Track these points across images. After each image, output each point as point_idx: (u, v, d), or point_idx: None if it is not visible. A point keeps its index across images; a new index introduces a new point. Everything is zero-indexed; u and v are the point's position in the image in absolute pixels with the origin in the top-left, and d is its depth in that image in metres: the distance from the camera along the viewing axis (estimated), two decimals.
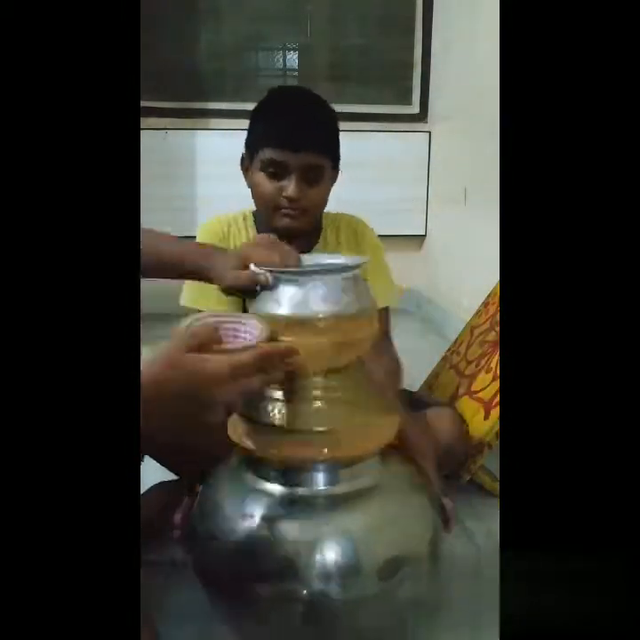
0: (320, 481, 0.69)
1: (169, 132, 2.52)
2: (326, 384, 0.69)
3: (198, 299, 1.08)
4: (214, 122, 2.55)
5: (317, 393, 0.69)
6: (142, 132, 2.20)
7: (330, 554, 0.65)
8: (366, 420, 0.70)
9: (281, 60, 2.74)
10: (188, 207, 2.50)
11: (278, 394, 0.69)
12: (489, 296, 1.61)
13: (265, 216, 1.06)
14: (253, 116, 1.06)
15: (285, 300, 0.67)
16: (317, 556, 0.65)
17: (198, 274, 0.80)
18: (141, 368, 0.53)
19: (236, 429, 0.71)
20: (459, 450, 1.10)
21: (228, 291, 0.76)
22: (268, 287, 0.69)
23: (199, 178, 2.53)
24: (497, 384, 1.28)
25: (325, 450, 0.67)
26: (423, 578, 0.72)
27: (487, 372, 1.34)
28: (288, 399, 0.68)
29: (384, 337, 1.13)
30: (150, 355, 0.57)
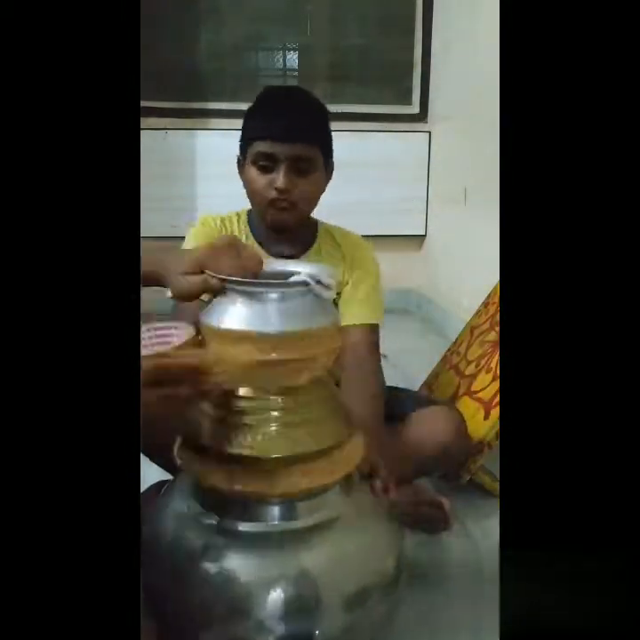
0: (276, 515, 0.63)
1: (169, 131, 2.52)
2: (283, 405, 0.63)
3: None
4: (214, 122, 2.54)
5: (275, 414, 0.63)
6: (142, 132, 2.21)
7: (286, 593, 0.59)
8: (327, 445, 0.64)
9: (281, 60, 2.73)
10: (187, 207, 2.50)
11: (232, 418, 0.63)
12: (489, 296, 1.61)
13: (257, 212, 1.07)
14: (246, 115, 1.07)
15: (235, 312, 0.62)
16: (273, 596, 0.59)
17: (153, 278, 0.72)
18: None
19: (183, 455, 0.66)
20: (458, 448, 1.09)
21: (178, 296, 0.69)
22: (220, 295, 0.64)
23: (199, 178, 2.53)
24: (497, 384, 1.28)
25: (278, 486, 0.61)
26: (391, 600, 0.67)
27: (487, 372, 1.34)
28: (239, 423, 0.62)
29: (367, 354, 1.06)
30: None
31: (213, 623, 0.60)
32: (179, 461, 0.66)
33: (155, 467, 0.99)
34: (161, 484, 1.06)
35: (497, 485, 1.23)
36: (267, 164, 1.01)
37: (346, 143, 2.63)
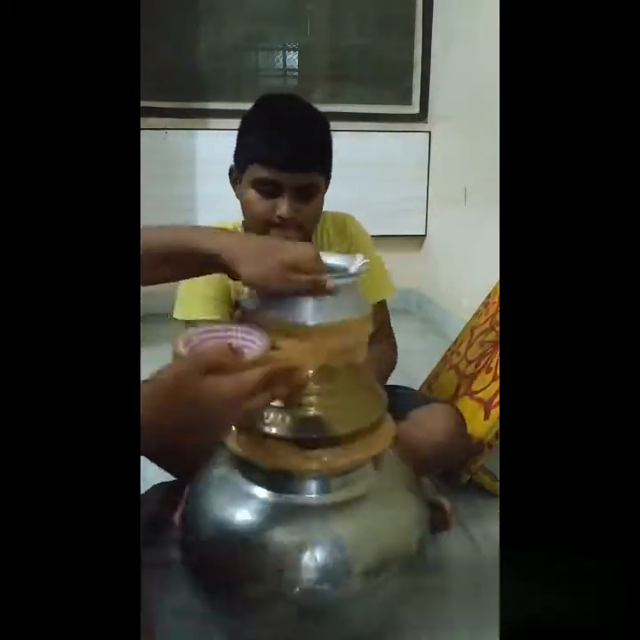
0: (311, 489, 0.69)
1: (169, 131, 2.52)
2: (320, 390, 0.68)
3: (192, 311, 1.06)
4: (214, 122, 2.54)
5: (312, 399, 0.68)
6: (142, 132, 2.21)
7: (318, 559, 0.65)
8: (362, 426, 0.69)
9: (281, 60, 2.73)
10: (187, 207, 2.50)
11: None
12: (489, 296, 1.61)
13: (257, 231, 1.02)
14: (242, 127, 1.02)
15: (279, 307, 0.65)
16: (305, 561, 0.65)
17: (217, 263, 0.67)
18: (148, 382, 0.53)
19: (235, 440, 0.70)
20: (457, 447, 1.09)
21: (260, 290, 0.67)
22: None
23: (199, 178, 2.53)
24: (497, 384, 1.28)
25: (319, 462, 0.66)
26: (410, 573, 0.72)
27: (487, 372, 1.34)
28: (282, 406, 0.67)
29: (381, 327, 1.10)
30: (156, 371, 0.56)
31: (253, 580, 0.66)
32: (228, 442, 0.70)
33: (155, 467, 0.99)
34: (161, 484, 1.06)
35: (497, 485, 1.23)
36: (268, 189, 0.97)
37: (346, 143, 2.63)
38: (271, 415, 0.67)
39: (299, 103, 1.04)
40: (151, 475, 1.02)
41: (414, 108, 2.74)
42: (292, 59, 2.73)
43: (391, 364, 1.22)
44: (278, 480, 0.68)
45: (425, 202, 2.77)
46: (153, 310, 1.66)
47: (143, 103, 2.16)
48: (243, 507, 0.69)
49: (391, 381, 1.22)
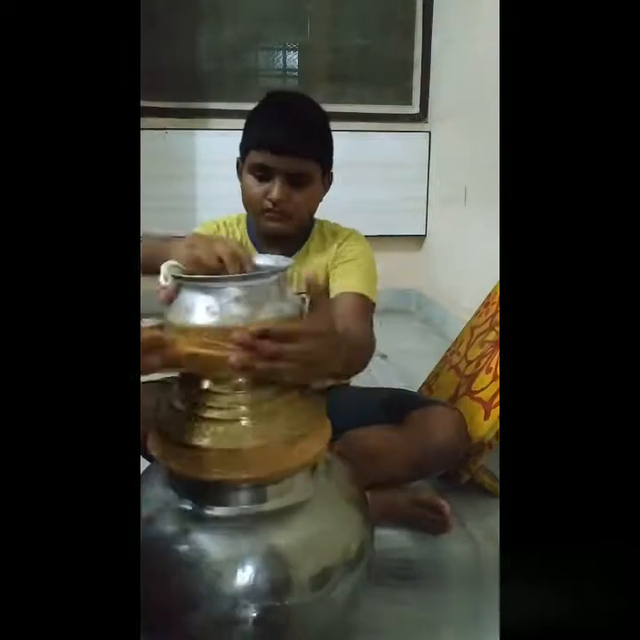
0: (246, 499, 0.66)
1: (169, 131, 2.52)
2: (252, 399, 0.66)
3: None
4: (214, 122, 2.55)
5: (243, 409, 0.66)
6: (142, 132, 2.20)
7: (257, 571, 0.63)
8: (296, 433, 0.67)
9: (281, 60, 2.73)
10: (187, 207, 2.50)
11: (202, 412, 0.66)
12: (489, 296, 1.61)
13: (252, 218, 1.08)
14: (247, 119, 1.07)
15: (197, 308, 0.66)
16: (243, 575, 0.63)
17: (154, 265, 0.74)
18: None
19: (157, 447, 0.68)
20: (458, 448, 1.09)
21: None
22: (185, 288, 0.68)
23: (199, 178, 2.53)
24: (497, 384, 1.28)
25: (249, 471, 0.64)
26: (355, 582, 0.70)
27: (487, 372, 1.34)
28: (211, 417, 0.65)
29: (354, 319, 0.98)
30: None
31: (189, 602, 0.64)
32: (152, 452, 0.69)
33: None
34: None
35: (497, 485, 1.23)
36: (262, 174, 1.02)
37: (346, 143, 2.63)
38: (201, 427, 0.65)
39: (299, 97, 1.11)
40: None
41: (414, 108, 2.74)
42: (292, 59, 2.73)
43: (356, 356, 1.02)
44: (212, 492, 0.66)
45: (425, 202, 2.77)
46: (153, 310, 1.66)
47: (143, 103, 2.16)
48: (176, 523, 0.66)
49: (391, 382, 1.21)
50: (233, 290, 0.65)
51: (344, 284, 1.07)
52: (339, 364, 0.72)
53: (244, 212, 1.13)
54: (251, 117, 1.07)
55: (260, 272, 0.69)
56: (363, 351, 0.91)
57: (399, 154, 2.70)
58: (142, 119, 2.30)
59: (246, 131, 1.06)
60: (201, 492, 0.67)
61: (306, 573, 0.65)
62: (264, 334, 0.60)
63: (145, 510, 0.69)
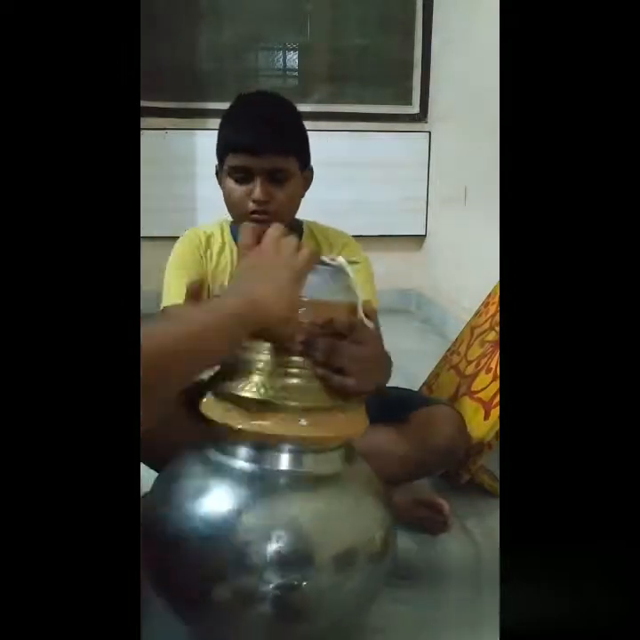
0: (284, 461, 0.69)
1: (169, 131, 2.52)
2: (303, 363, 0.70)
3: (169, 298, 1.12)
4: (214, 122, 2.54)
5: (295, 370, 0.70)
6: (142, 132, 2.21)
7: (283, 538, 0.65)
8: (338, 403, 0.71)
9: (281, 60, 2.73)
10: (187, 207, 2.50)
11: (258, 366, 0.70)
12: (489, 296, 1.61)
13: (238, 222, 1.07)
14: (220, 124, 1.08)
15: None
16: (270, 544, 0.64)
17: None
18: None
19: (212, 406, 0.71)
20: (458, 448, 1.09)
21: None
22: None
23: (199, 178, 2.53)
24: (497, 384, 1.28)
25: (295, 428, 0.67)
26: (376, 575, 0.72)
27: (487, 372, 1.34)
28: (268, 372, 0.69)
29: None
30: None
31: (216, 573, 0.65)
32: (201, 405, 0.71)
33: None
34: None
35: (497, 485, 1.23)
36: (242, 176, 1.02)
37: (346, 143, 2.64)
38: (246, 380, 0.69)
39: (268, 95, 1.13)
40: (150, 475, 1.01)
41: (414, 108, 2.74)
42: (292, 59, 2.73)
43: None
44: (252, 450, 0.69)
45: (425, 202, 2.77)
46: (153, 310, 1.66)
47: (143, 103, 2.16)
48: (217, 480, 0.69)
49: (391, 382, 1.21)
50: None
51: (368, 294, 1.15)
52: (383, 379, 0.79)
53: (224, 217, 1.13)
54: (223, 122, 1.08)
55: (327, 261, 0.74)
56: (388, 363, 0.97)
57: (399, 154, 2.70)
58: (142, 119, 2.30)
59: (221, 135, 1.07)
60: (241, 447, 0.69)
61: (328, 549, 0.67)
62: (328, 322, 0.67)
63: (181, 465, 0.72)
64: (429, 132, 2.70)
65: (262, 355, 0.70)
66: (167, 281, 1.14)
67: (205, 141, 2.52)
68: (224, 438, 0.71)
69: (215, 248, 1.13)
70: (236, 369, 0.70)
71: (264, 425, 0.67)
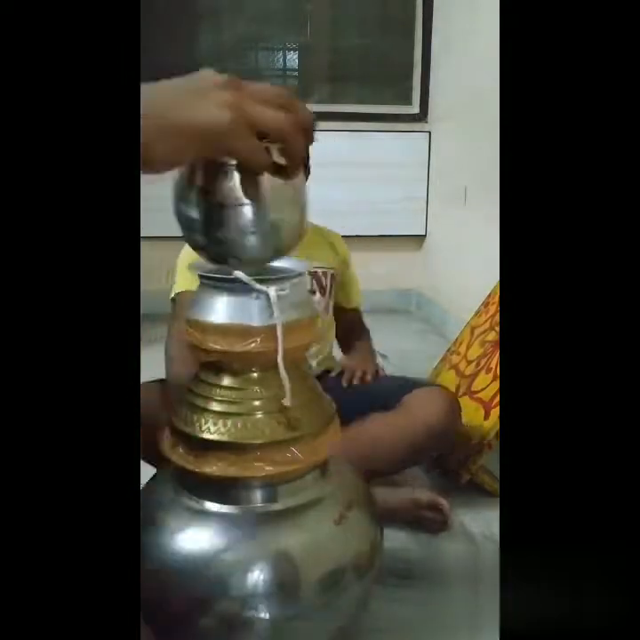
0: (257, 498, 0.66)
1: None
2: (263, 395, 0.66)
3: (180, 286, 1.17)
4: None
5: (257, 404, 0.66)
6: None
7: (267, 572, 0.63)
8: (306, 431, 0.67)
9: (281, 60, 2.74)
10: None
11: (214, 406, 0.66)
12: (489, 296, 1.61)
13: None
14: None
15: (222, 308, 0.65)
16: (253, 576, 0.62)
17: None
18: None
19: (169, 445, 0.68)
20: (450, 428, 1.09)
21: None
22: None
23: None
24: (497, 384, 1.28)
25: (266, 466, 0.64)
26: (366, 587, 0.70)
27: (487, 372, 1.35)
28: (222, 411, 0.65)
29: (361, 330, 1.43)
30: None
31: (200, 604, 0.63)
32: (164, 449, 0.69)
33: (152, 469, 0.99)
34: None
35: (497, 485, 1.23)
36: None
37: (346, 143, 2.64)
38: (210, 421, 0.65)
39: None
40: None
41: (414, 108, 2.74)
42: (292, 59, 2.73)
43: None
44: (223, 491, 0.66)
45: (425, 202, 2.77)
46: (153, 310, 1.66)
47: None
48: (184, 522, 0.66)
49: None
50: (255, 292, 0.64)
51: (352, 300, 1.39)
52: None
53: None
54: None
55: (282, 275, 0.66)
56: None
57: (399, 154, 2.70)
58: None
59: None
60: (211, 489, 0.67)
61: (315, 575, 0.65)
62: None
63: (153, 510, 0.69)
64: (429, 132, 2.71)
65: (216, 391, 0.67)
66: (179, 269, 1.18)
67: None
68: (191, 480, 0.68)
69: None
70: (191, 409, 0.67)
71: (222, 466, 0.64)
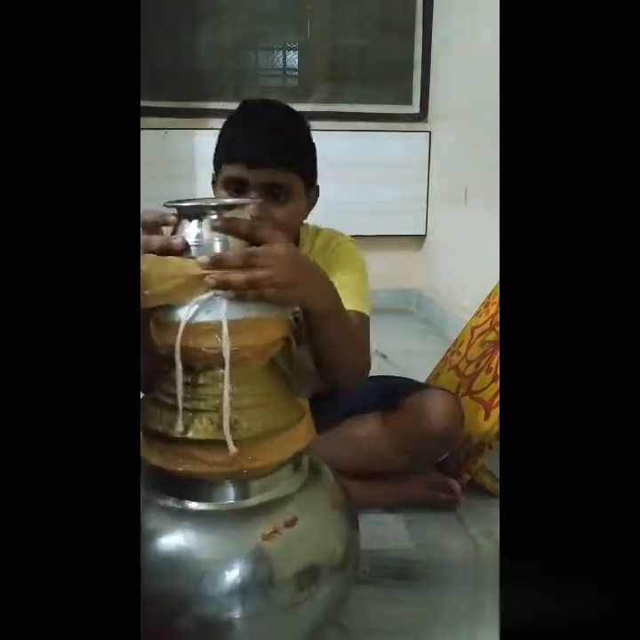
0: (230, 495, 0.66)
1: (169, 131, 2.52)
2: (234, 392, 0.65)
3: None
4: (214, 122, 2.55)
5: (223, 401, 0.65)
6: (142, 132, 2.20)
7: (243, 568, 0.63)
8: (278, 426, 0.66)
9: (281, 60, 2.73)
10: None
11: (184, 404, 0.65)
12: (489, 296, 1.61)
13: None
14: (220, 131, 1.02)
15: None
16: (229, 573, 0.62)
17: None
18: None
19: (143, 447, 0.67)
20: (454, 432, 1.09)
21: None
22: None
23: (199, 178, 2.53)
24: (497, 384, 1.28)
25: (234, 462, 0.63)
26: (342, 583, 0.70)
27: (487, 372, 1.34)
28: (193, 408, 0.65)
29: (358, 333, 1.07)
30: None
31: (176, 604, 0.63)
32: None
33: None
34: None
35: (497, 485, 1.23)
36: (237, 188, 0.95)
37: (346, 143, 2.64)
38: (179, 419, 0.64)
39: (275, 106, 1.03)
40: None
41: (414, 108, 2.74)
42: (292, 59, 2.73)
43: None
44: (193, 488, 0.66)
45: (425, 202, 2.77)
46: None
47: (143, 103, 2.16)
48: (158, 521, 0.65)
49: None
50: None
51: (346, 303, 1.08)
52: (315, 292, 0.70)
53: None
54: (223, 129, 1.01)
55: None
56: (361, 370, 0.90)
57: (399, 154, 2.70)
58: (142, 119, 2.30)
59: (219, 143, 1.00)
60: (183, 487, 0.66)
61: (291, 571, 0.65)
62: (219, 260, 0.61)
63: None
64: (429, 132, 2.71)
65: (184, 389, 0.65)
66: None
67: (205, 141, 2.53)
68: (164, 478, 0.67)
69: None
70: (159, 407, 0.67)
71: (197, 465, 0.64)
